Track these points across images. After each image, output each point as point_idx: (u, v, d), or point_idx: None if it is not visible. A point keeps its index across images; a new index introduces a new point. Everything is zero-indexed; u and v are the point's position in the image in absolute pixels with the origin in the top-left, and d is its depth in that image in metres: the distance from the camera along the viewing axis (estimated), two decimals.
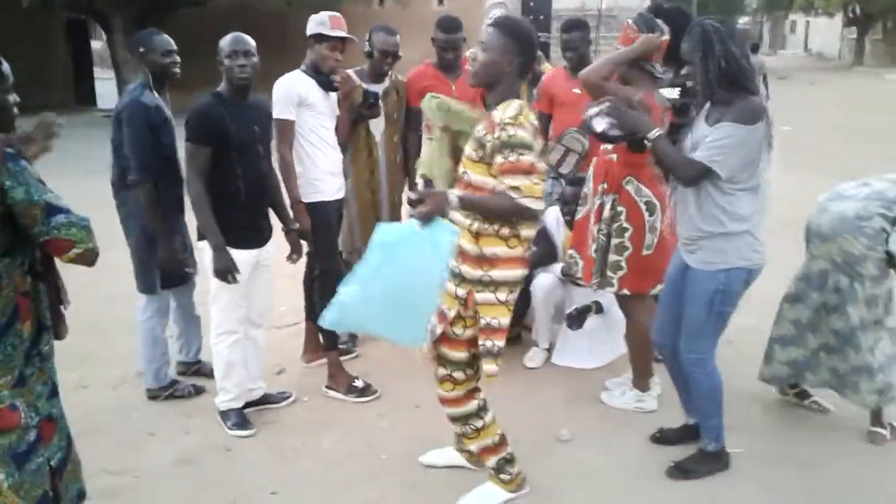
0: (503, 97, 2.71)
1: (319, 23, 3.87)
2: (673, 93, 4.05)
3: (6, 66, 2.12)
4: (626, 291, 3.64)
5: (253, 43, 3.46)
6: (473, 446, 3.03)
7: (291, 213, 3.83)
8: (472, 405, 2.93)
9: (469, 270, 2.73)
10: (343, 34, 3.90)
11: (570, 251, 3.93)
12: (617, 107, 3.18)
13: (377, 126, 4.28)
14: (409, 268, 2.55)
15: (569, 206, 4.18)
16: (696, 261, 3.06)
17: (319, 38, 3.87)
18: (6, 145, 1.97)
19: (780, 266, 3.52)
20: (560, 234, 4.42)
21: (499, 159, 2.61)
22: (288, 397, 3.96)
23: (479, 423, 2.95)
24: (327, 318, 2.61)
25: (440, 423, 3.68)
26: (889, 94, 20.60)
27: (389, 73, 4.30)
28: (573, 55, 4.46)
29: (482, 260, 2.71)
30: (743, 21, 41.99)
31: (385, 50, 4.17)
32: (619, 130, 3.21)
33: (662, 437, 3.51)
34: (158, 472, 3.23)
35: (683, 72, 3.21)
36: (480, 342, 2.78)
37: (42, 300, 2.13)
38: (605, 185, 3.61)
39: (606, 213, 3.60)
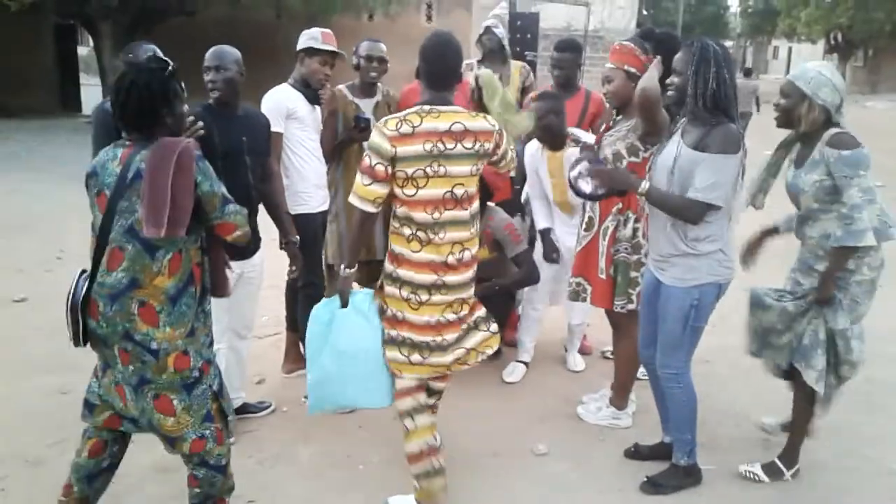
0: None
1: (311, 37, 3.96)
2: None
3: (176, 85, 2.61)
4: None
5: (231, 56, 3.47)
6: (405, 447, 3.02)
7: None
8: (407, 402, 2.97)
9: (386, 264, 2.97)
10: (333, 48, 3.98)
11: (576, 278, 3.83)
12: (597, 166, 3.29)
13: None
14: (349, 340, 2.96)
15: None
16: (670, 278, 3.12)
17: (310, 51, 3.94)
18: (196, 149, 2.50)
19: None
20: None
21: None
22: (267, 407, 3.98)
23: (410, 425, 2.97)
24: (310, 406, 3.10)
25: None
26: (868, 120, 20.92)
27: (380, 85, 4.35)
28: (561, 74, 4.56)
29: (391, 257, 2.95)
30: (727, 44, 42.48)
31: (370, 55, 4.21)
32: (603, 189, 3.32)
33: (636, 452, 3.56)
34: (136, 479, 3.24)
35: (667, 81, 3.21)
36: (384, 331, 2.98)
37: (206, 269, 2.66)
38: (622, 205, 3.63)
39: (626, 231, 3.62)
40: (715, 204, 2.92)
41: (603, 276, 3.70)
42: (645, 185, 3.05)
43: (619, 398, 3.89)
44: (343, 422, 3.87)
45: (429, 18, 21.35)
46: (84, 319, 2.51)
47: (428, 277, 2.85)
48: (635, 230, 3.61)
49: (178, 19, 17.18)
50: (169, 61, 2.60)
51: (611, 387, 3.94)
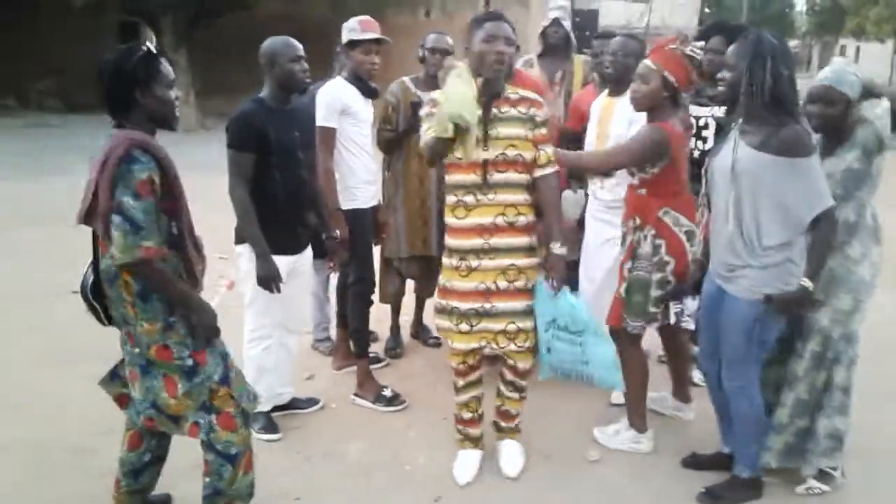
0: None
1: (350, 29, 3.88)
2: (707, 111, 3.96)
3: (167, 66, 2.51)
4: (690, 327, 3.54)
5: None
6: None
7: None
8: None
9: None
10: (375, 35, 3.87)
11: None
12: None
13: None
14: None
15: None
16: (735, 289, 2.96)
17: (353, 44, 3.86)
18: (136, 148, 2.35)
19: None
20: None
21: (543, 131, 3.10)
22: (315, 403, 3.95)
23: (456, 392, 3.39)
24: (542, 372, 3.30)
25: None
26: None
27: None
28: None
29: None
30: (793, 44, 41.51)
31: (434, 48, 4.16)
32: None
33: (694, 462, 3.42)
34: (182, 473, 3.23)
35: (719, 75, 3.07)
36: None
37: (183, 268, 2.55)
38: (639, 220, 3.40)
39: (645, 248, 3.37)
40: (833, 203, 2.76)
41: (620, 295, 3.46)
42: (806, 281, 2.78)
43: (638, 419, 3.61)
44: (391, 421, 3.82)
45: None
46: (102, 302, 2.58)
47: (475, 242, 3.03)
48: (656, 246, 3.34)
49: (236, 14, 17.42)
50: (149, 45, 2.51)
51: (629, 407, 3.65)
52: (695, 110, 4.01)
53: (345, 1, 14.99)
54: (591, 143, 3.92)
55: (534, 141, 3.05)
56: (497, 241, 3.05)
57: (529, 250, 3.13)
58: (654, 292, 3.36)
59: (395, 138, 4.23)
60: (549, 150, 3.10)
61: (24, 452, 3.46)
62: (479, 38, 2.97)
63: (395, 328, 4.72)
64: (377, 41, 3.88)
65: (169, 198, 2.45)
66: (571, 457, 3.51)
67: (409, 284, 4.68)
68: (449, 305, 3.12)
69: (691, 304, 3.45)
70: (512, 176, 3.03)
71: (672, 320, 3.42)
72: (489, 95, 3.02)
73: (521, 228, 3.08)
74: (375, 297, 4.24)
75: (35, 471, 3.33)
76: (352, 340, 4.09)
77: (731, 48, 2.96)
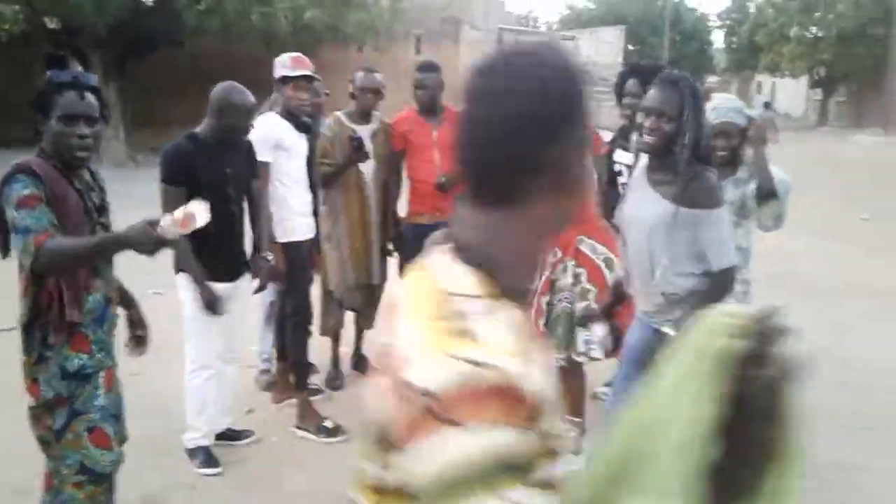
0: None
1: (282, 65, 3.96)
2: (629, 159, 3.91)
3: (69, 97, 2.39)
4: (597, 356, 3.41)
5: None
6: None
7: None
8: None
9: None
10: (306, 72, 3.95)
11: None
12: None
13: (367, 166, 4.35)
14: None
15: None
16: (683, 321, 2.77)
17: (284, 79, 3.94)
18: (23, 171, 2.30)
19: None
20: None
21: None
22: (250, 436, 3.92)
23: None
24: None
25: None
26: (856, 155, 21.19)
27: (376, 113, 4.40)
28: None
29: None
30: (712, 80, 43.11)
31: (363, 87, 4.27)
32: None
33: None
34: None
35: (648, 125, 2.73)
36: None
37: (62, 299, 2.39)
38: (559, 253, 3.43)
39: (565, 280, 3.40)
40: (735, 264, 2.72)
41: (540, 328, 3.43)
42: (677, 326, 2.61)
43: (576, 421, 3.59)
44: (333, 452, 3.82)
45: (417, 51, 21.56)
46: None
47: None
48: (577, 275, 3.39)
49: (168, 49, 17.27)
50: (63, 75, 2.44)
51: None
52: (618, 155, 4.03)
53: (278, 37, 15.07)
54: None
55: None
56: None
57: None
58: (577, 324, 3.35)
59: (335, 172, 4.28)
60: None
61: None
62: None
63: (336, 360, 4.73)
64: (307, 78, 3.96)
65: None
66: None
67: (349, 316, 4.70)
68: None
69: (600, 330, 3.20)
70: None
71: (581, 348, 3.34)
72: None
73: None
74: (315, 328, 4.25)
75: None
76: (292, 372, 4.09)
77: (658, 94, 2.71)
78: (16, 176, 2.32)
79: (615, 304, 3.15)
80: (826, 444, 3.68)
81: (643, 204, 2.79)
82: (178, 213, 2.25)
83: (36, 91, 2.40)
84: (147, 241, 2.21)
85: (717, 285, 2.70)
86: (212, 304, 3.38)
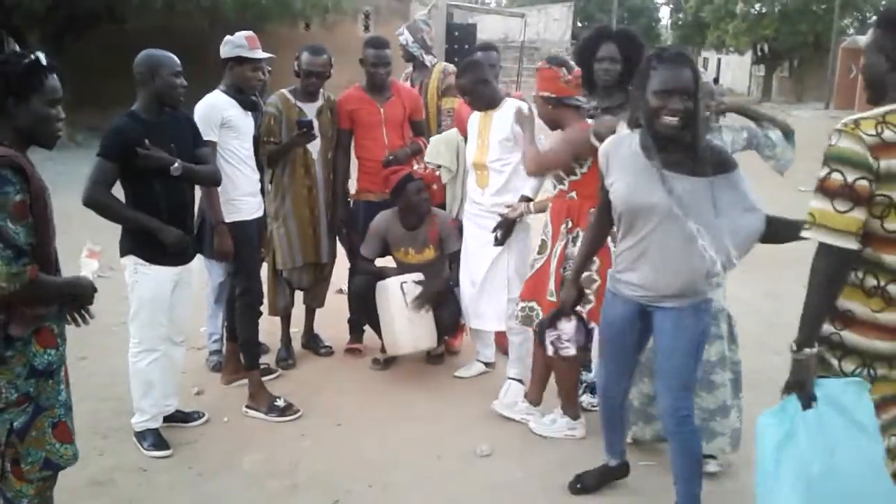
0: None
1: (237, 45, 3.90)
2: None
3: (53, 81, 2.30)
4: (592, 324, 3.40)
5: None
6: None
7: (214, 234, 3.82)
8: None
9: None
10: (267, 55, 3.96)
11: (528, 303, 3.71)
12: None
13: (314, 144, 4.33)
14: (843, 456, 2.09)
15: None
16: (686, 304, 2.78)
17: (240, 60, 3.90)
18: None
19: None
20: None
21: None
22: (199, 417, 3.91)
23: None
24: None
25: (361, 440, 3.73)
26: (796, 128, 21.66)
27: (322, 91, 4.39)
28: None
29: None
30: None
31: (309, 70, 4.25)
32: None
33: (583, 486, 3.29)
34: (71, 493, 3.14)
35: (671, 106, 2.65)
36: None
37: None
38: (570, 223, 3.56)
39: (576, 248, 3.45)
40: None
41: (553, 299, 3.53)
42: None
43: (571, 406, 3.78)
44: (285, 431, 3.83)
45: (366, 28, 21.33)
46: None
47: (890, 346, 2.17)
48: None
49: (108, 27, 16.80)
50: (33, 55, 2.28)
51: (558, 395, 3.82)
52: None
53: (222, 14, 14.76)
54: (472, 153, 4.12)
55: None
56: None
57: None
58: (545, 325, 3.33)
59: (280, 150, 4.26)
60: None
61: None
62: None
63: (287, 339, 4.72)
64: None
65: (37, 225, 2.24)
66: (462, 454, 3.62)
67: (298, 296, 4.70)
68: None
69: (567, 327, 3.23)
70: None
71: (549, 351, 3.33)
72: None
73: None
74: (265, 308, 4.24)
75: None
76: (241, 353, 4.07)
77: (677, 73, 2.63)
78: (5, 176, 2.14)
79: (579, 299, 3.25)
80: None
81: (682, 186, 2.68)
82: (85, 250, 2.67)
83: (2, 66, 2.22)
84: (91, 293, 2.46)
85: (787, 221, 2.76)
86: (178, 245, 3.38)
